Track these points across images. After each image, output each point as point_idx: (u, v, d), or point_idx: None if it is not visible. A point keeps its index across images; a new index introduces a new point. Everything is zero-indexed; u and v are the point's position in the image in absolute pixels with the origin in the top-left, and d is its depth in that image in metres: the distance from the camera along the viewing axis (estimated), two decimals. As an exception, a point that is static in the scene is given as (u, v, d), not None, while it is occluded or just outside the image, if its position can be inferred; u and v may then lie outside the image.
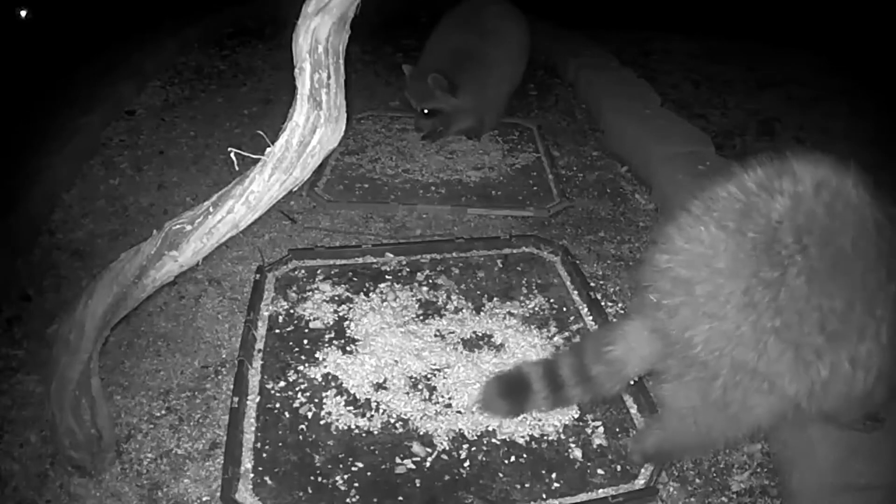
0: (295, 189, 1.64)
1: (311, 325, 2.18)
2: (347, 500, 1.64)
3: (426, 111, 3.16)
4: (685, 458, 1.77)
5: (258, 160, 1.58)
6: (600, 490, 1.68)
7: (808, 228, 1.26)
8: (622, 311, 2.28)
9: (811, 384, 1.33)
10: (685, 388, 1.49)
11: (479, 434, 1.81)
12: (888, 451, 1.62)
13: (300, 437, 1.81)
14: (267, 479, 1.68)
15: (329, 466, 1.72)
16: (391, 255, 2.49)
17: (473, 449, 1.77)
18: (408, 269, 2.44)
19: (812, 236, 1.25)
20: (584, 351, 1.65)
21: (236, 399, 1.85)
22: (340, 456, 1.75)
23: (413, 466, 1.73)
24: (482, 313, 2.24)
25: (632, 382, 1.73)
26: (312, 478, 1.69)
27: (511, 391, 1.71)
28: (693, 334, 1.36)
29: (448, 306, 2.26)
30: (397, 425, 1.84)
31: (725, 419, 1.47)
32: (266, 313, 2.22)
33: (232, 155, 1.54)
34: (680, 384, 1.50)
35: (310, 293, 2.31)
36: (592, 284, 2.37)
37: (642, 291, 1.51)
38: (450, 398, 1.91)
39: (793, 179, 1.29)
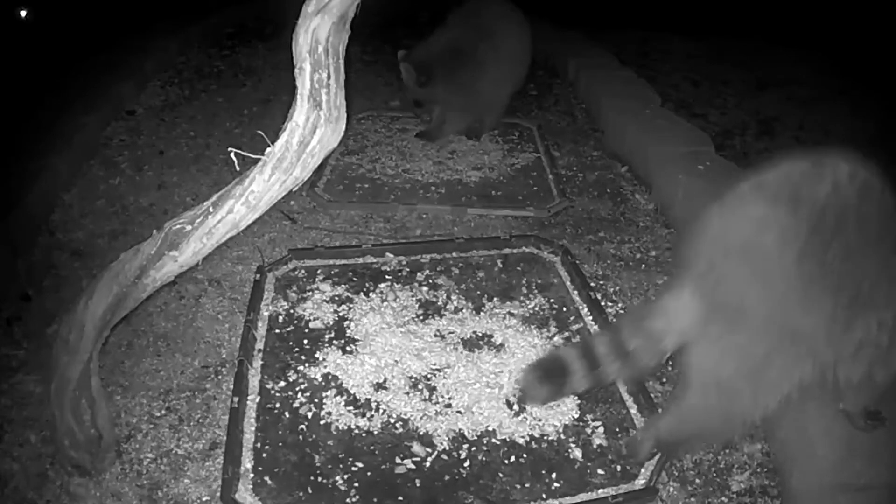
0: (295, 189, 1.64)
1: (311, 325, 2.18)
2: (347, 500, 1.64)
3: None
4: (695, 447, 1.77)
5: (258, 160, 1.58)
6: (600, 490, 1.68)
7: (845, 212, 1.40)
8: (623, 311, 2.28)
9: (843, 348, 1.44)
10: (721, 354, 1.52)
11: (479, 434, 1.81)
12: (888, 451, 1.62)
13: (300, 437, 1.81)
14: (267, 479, 1.68)
15: (329, 466, 1.72)
16: (391, 255, 2.49)
17: (473, 449, 1.77)
18: (408, 269, 2.45)
19: (848, 219, 1.40)
20: (621, 328, 1.67)
21: (236, 399, 1.85)
22: (340, 456, 1.75)
23: (413, 466, 1.73)
24: (482, 313, 2.24)
25: (667, 358, 1.70)
26: (312, 478, 1.69)
27: (550, 376, 1.70)
28: (744, 297, 1.45)
29: (448, 306, 2.26)
30: (397, 425, 1.84)
31: (754, 390, 1.50)
32: (266, 313, 2.22)
33: (232, 155, 1.54)
34: (716, 349, 1.52)
35: (310, 293, 2.31)
36: (592, 284, 2.38)
37: (686, 263, 1.57)
38: (450, 398, 1.91)
39: (831, 170, 1.43)
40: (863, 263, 1.40)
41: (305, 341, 2.12)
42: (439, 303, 2.28)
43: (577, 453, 1.77)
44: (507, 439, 1.80)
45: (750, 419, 1.57)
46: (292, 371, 2.01)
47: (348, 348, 2.08)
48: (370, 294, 2.31)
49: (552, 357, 1.78)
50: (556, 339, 2.14)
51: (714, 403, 1.57)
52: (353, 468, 1.72)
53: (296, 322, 2.19)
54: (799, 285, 1.40)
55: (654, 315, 1.60)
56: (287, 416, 1.87)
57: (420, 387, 1.95)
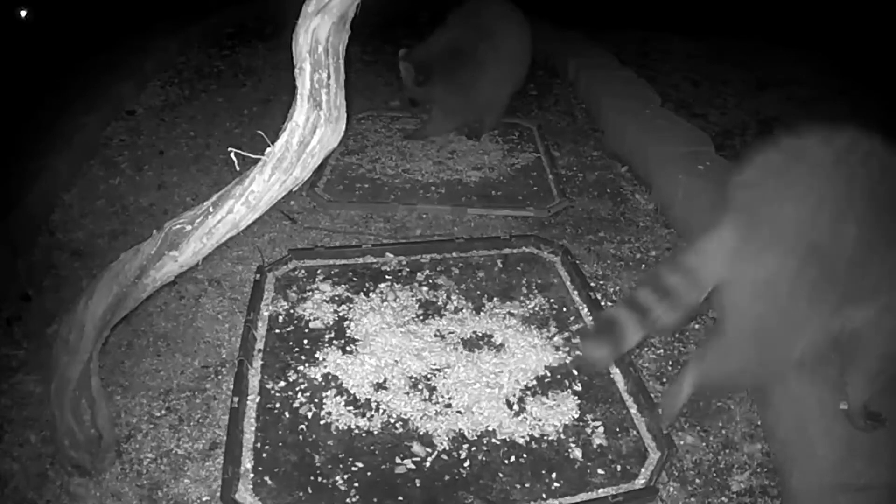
0: (295, 189, 1.63)
1: (311, 325, 2.18)
2: (347, 500, 1.64)
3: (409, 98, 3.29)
4: (729, 389, 1.82)
5: (258, 160, 1.58)
6: (600, 490, 1.68)
7: (871, 158, 1.52)
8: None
9: (863, 282, 1.52)
10: (754, 285, 1.58)
11: (479, 434, 1.81)
12: (888, 451, 1.62)
13: (300, 437, 1.81)
14: (267, 479, 1.68)
15: (329, 466, 1.72)
16: (391, 255, 2.49)
17: (473, 449, 1.77)
18: (408, 269, 2.45)
19: (874, 167, 1.51)
20: (659, 270, 1.72)
21: (236, 399, 1.85)
22: (340, 456, 1.75)
23: (413, 466, 1.73)
24: (482, 313, 2.24)
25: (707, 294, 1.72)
26: (312, 478, 1.69)
27: (604, 334, 1.71)
28: (782, 216, 1.53)
29: (448, 306, 2.26)
30: (397, 425, 1.84)
31: (784, 324, 1.56)
32: (266, 313, 2.22)
33: (232, 155, 1.54)
34: (749, 278, 1.57)
35: (310, 293, 2.31)
36: (592, 284, 2.38)
37: (727, 199, 1.64)
38: (450, 398, 1.91)
39: (856, 133, 1.55)
40: (882, 206, 1.49)
41: (305, 341, 2.12)
42: (439, 303, 2.28)
43: (577, 453, 1.77)
44: (507, 439, 1.80)
45: (781, 359, 1.62)
46: (292, 371, 2.01)
47: (348, 348, 2.08)
48: (370, 294, 2.31)
49: (600, 319, 1.86)
50: (556, 339, 2.14)
51: (748, 343, 1.62)
52: (353, 468, 1.72)
53: (296, 322, 2.19)
54: (829, 207, 1.48)
55: (690, 252, 1.66)
56: (287, 416, 1.87)
57: (420, 387, 1.95)
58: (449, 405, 1.90)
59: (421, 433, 1.82)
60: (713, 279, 1.63)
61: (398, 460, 1.74)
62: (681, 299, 1.64)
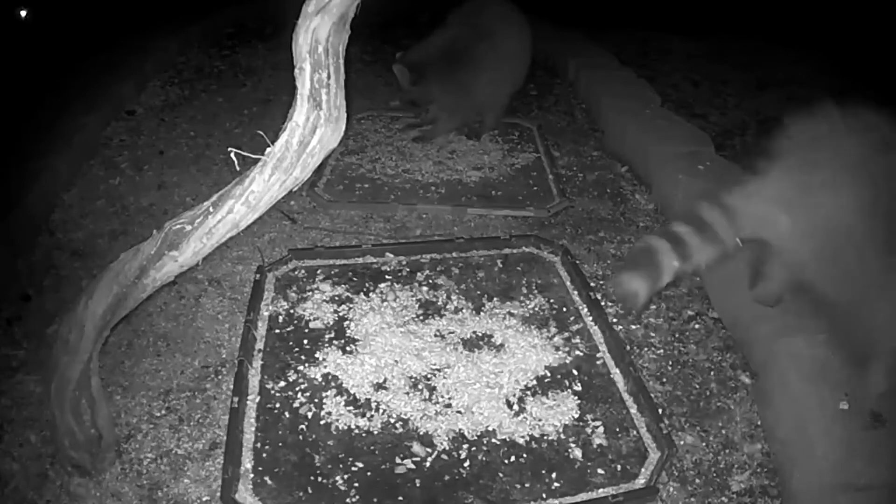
0: (295, 189, 1.64)
1: (311, 325, 2.18)
2: (347, 500, 1.64)
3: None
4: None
5: (258, 160, 1.58)
6: (600, 490, 1.68)
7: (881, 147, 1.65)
8: (622, 311, 2.28)
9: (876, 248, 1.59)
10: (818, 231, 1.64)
11: (479, 434, 1.81)
12: (888, 451, 1.62)
13: (300, 437, 1.81)
14: (267, 479, 1.69)
15: (329, 466, 1.73)
16: (391, 255, 2.49)
17: (473, 449, 1.78)
18: (408, 269, 2.45)
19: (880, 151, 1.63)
20: (699, 204, 1.74)
21: (236, 399, 1.85)
22: (340, 456, 1.75)
23: (413, 466, 1.73)
24: (482, 313, 2.24)
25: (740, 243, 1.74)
26: (312, 478, 1.69)
27: (641, 265, 1.72)
28: (838, 161, 1.63)
29: (448, 306, 2.26)
30: (397, 425, 1.84)
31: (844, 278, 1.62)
32: (266, 313, 2.22)
33: (232, 155, 1.54)
34: (811, 227, 1.63)
35: (310, 293, 2.31)
36: (592, 284, 2.38)
37: (774, 151, 1.72)
38: (450, 398, 1.91)
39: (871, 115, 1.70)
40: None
41: (305, 341, 2.12)
42: (439, 303, 2.28)
43: (577, 453, 1.77)
44: (507, 439, 1.80)
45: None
46: (292, 371, 2.01)
47: (348, 348, 2.08)
48: (370, 294, 2.31)
49: (636, 247, 1.91)
50: (556, 339, 2.14)
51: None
52: (353, 468, 1.72)
53: (296, 322, 2.19)
54: (885, 158, 1.57)
55: (734, 192, 1.69)
56: (287, 416, 1.87)
57: (420, 387, 1.95)
58: (449, 405, 1.90)
59: (421, 433, 1.82)
60: (751, 225, 1.65)
61: (398, 460, 1.74)
62: (716, 236, 1.66)
